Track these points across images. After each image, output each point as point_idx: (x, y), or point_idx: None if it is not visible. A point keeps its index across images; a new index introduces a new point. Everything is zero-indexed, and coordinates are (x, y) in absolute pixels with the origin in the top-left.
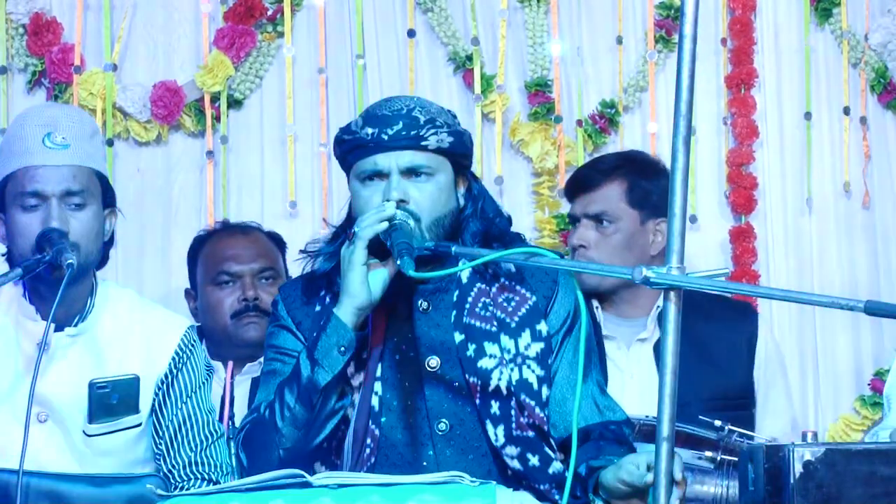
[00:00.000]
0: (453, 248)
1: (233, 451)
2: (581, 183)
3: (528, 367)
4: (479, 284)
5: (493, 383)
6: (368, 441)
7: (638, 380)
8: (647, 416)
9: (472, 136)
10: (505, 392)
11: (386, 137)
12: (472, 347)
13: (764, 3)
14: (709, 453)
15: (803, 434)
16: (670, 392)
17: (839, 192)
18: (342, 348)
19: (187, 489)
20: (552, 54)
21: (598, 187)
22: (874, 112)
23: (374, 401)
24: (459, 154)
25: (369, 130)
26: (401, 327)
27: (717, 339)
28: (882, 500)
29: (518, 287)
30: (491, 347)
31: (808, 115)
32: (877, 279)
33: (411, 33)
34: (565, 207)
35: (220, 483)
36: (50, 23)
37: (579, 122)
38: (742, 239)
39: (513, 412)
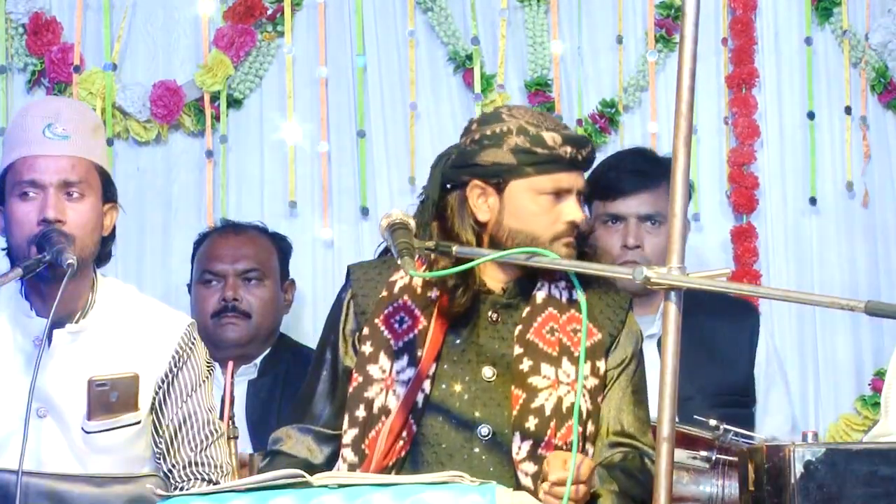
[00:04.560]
0: (454, 249)
1: (233, 450)
2: (630, 184)
3: (583, 396)
4: (550, 309)
5: (537, 402)
6: (404, 434)
7: None
8: None
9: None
10: (548, 413)
11: (580, 158)
12: (527, 363)
13: (764, 2)
14: (704, 453)
15: (803, 434)
16: (671, 392)
17: (840, 192)
18: None
19: (187, 489)
20: (552, 53)
21: (651, 188)
22: (874, 112)
23: (420, 397)
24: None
25: (568, 149)
26: (466, 333)
27: (719, 335)
28: (882, 500)
29: (587, 321)
30: (547, 369)
31: (810, 115)
32: (877, 279)
33: (411, 33)
34: None
35: (219, 484)
36: (49, 22)
37: (579, 122)
38: (743, 239)
39: (547, 433)
